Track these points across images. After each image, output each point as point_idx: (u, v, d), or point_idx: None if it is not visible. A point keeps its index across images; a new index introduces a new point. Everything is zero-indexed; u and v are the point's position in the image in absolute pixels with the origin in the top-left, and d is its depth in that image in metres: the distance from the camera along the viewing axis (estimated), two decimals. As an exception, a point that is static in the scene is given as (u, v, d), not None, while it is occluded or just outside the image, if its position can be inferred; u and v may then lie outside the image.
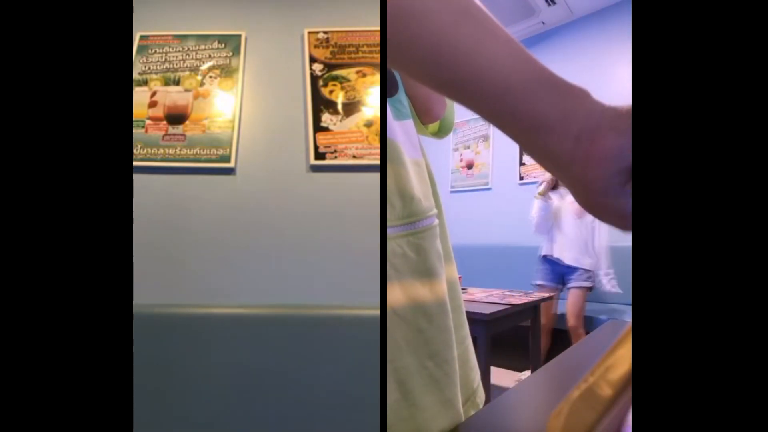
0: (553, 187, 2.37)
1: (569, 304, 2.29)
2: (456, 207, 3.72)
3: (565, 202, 2.36)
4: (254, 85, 1.67)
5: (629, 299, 2.59)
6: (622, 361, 0.27)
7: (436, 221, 0.45)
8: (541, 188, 2.33)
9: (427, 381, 0.39)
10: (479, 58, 0.27)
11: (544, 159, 0.30)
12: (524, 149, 0.30)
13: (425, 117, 0.59)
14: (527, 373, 2.49)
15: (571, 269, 2.34)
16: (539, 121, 0.28)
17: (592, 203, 0.30)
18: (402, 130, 0.45)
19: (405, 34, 0.26)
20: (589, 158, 0.28)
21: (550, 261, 2.42)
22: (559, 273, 2.41)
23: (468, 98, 0.28)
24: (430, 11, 0.26)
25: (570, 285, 2.34)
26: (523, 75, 0.27)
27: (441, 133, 0.63)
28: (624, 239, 2.59)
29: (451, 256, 0.50)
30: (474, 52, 0.27)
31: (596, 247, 2.31)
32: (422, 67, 0.28)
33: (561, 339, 2.40)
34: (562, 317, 2.45)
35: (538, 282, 2.45)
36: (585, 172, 0.28)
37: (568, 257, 2.34)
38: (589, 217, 2.28)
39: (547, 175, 2.35)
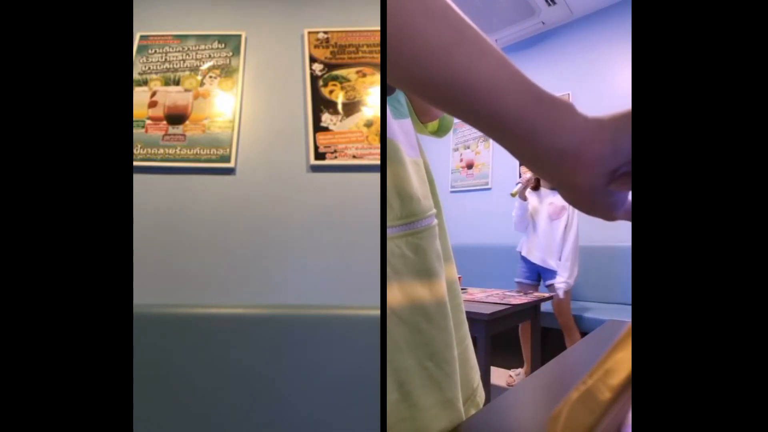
0: (535, 188, 2.46)
1: (554, 302, 2.34)
2: (456, 207, 3.71)
3: (543, 204, 2.43)
4: (254, 85, 1.67)
5: (629, 299, 2.59)
6: (621, 362, 0.27)
7: (435, 221, 0.44)
8: (515, 189, 2.42)
9: (427, 381, 0.39)
10: (474, 77, 0.29)
11: (533, 165, 0.33)
12: (514, 156, 0.33)
13: (424, 116, 0.59)
14: (518, 370, 2.49)
15: (546, 269, 2.40)
16: (528, 132, 0.30)
17: (579, 201, 0.33)
18: (400, 129, 0.45)
19: (403, 55, 0.28)
20: (576, 166, 0.31)
21: (525, 259, 2.52)
22: (535, 270, 2.49)
23: (463, 113, 0.31)
24: (427, 34, 0.28)
25: (549, 282, 2.39)
26: (514, 91, 0.30)
27: (440, 132, 0.63)
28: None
29: (450, 255, 0.50)
30: (469, 71, 0.29)
31: (564, 251, 2.35)
32: (419, 85, 0.30)
33: (553, 339, 2.41)
34: (550, 316, 2.46)
35: (517, 279, 2.54)
36: (572, 178, 0.31)
37: (536, 257, 2.43)
38: (562, 222, 2.34)
39: (525, 177, 2.42)
